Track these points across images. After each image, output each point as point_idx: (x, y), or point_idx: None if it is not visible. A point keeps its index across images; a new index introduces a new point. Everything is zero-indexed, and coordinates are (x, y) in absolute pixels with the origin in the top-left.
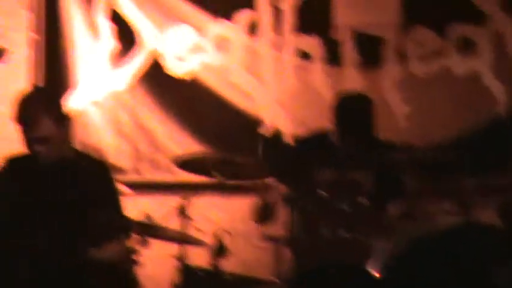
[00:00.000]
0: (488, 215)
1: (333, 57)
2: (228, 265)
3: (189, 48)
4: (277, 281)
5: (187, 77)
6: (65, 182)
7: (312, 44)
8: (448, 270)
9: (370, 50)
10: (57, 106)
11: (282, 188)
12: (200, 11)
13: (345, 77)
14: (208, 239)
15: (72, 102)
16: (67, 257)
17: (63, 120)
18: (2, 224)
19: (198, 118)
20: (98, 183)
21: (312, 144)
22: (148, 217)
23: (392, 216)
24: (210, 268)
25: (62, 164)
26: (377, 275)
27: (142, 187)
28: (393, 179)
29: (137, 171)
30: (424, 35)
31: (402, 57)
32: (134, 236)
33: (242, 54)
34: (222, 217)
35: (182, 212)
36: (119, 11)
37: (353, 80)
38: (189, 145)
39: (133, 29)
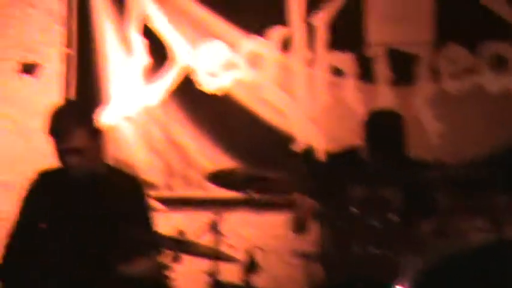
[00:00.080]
0: None
1: (366, 73)
2: (260, 281)
3: (222, 64)
4: None
5: (219, 93)
6: (96, 196)
7: (344, 60)
8: None
9: (403, 67)
10: (90, 119)
11: (313, 204)
12: (233, 27)
13: (378, 94)
14: (240, 255)
15: (105, 117)
16: (98, 272)
17: (95, 134)
18: (32, 238)
19: (230, 134)
20: (130, 199)
21: (344, 161)
22: (180, 233)
23: (424, 233)
24: (242, 284)
25: (93, 178)
26: None
27: (174, 203)
28: (425, 196)
29: (169, 187)
30: (457, 52)
31: (435, 74)
32: (166, 252)
33: (275, 70)
34: (254, 233)
35: (214, 228)
36: (151, 26)
37: (385, 96)
38: (221, 161)
39: (166, 45)
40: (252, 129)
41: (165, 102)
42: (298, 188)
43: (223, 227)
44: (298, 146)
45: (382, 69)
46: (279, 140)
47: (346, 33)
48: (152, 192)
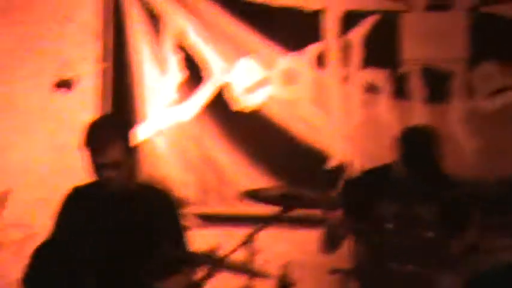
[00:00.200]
0: None
1: (400, 90)
2: None
3: (257, 81)
4: None
5: (254, 109)
6: (130, 212)
7: (379, 77)
8: None
9: (437, 84)
10: (127, 133)
11: (349, 221)
12: (268, 43)
13: (412, 111)
14: (274, 271)
15: (139, 133)
16: None
17: (131, 149)
18: (66, 254)
19: (264, 150)
20: (164, 215)
21: (378, 177)
22: (214, 249)
23: (457, 250)
24: None
25: (128, 193)
26: None
27: (208, 219)
28: (459, 213)
29: (203, 203)
30: (491, 69)
31: (469, 91)
32: (200, 268)
33: (309, 87)
34: (288, 249)
35: (248, 244)
36: (186, 41)
37: (420, 113)
38: (255, 177)
39: (200, 60)
40: (286, 146)
41: (199, 118)
42: (332, 204)
43: (257, 243)
44: (333, 163)
45: (416, 86)
46: (313, 156)
47: (381, 50)
48: (186, 208)
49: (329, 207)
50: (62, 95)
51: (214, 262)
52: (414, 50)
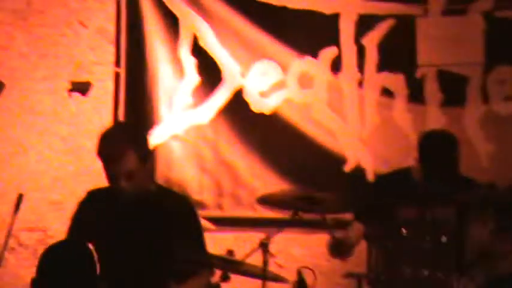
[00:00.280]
0: None
1: (416, 94)
2: None
3: (273, 84)
4: None
5: (270, 113)
6: (147, 216)
7: (394, 81)
8: None
9: (453, 88)
10: (141, 141)
11: (364, 225)
12: (284, 47)
13: (428, 115)
14: (289, 275)
15: (155, 137)
16: None
17: (147, 155)
18: (84, 261)
19: (280, 154)
20: (181, 219)
21: (394, 182)
22: (229, 252)
23: (472, 255)
24: None
25: (144, 198)
26: None
27: (224, 222)
28: (474, 217)
29: (219, 206)
30: (507, 73)
31: (485, 95)
32: (216, 271)
33: (325, 90)
34: (303, 253)
35: (263, 248)
36: (202, 45)
37: (435, 118)
38: (271, 181)
39: (216, 64)
40: (301, 150)
41: (215, 121)
42: (348, 209)
43: (273, 247)
44: (348, 167)
45: (432, 90)
46: (329, 160)
47: (397, 54)
48: (202, 212)
49: (344, 211)
50: (76, 98)
51: (230, 266)
52: (430, 54)
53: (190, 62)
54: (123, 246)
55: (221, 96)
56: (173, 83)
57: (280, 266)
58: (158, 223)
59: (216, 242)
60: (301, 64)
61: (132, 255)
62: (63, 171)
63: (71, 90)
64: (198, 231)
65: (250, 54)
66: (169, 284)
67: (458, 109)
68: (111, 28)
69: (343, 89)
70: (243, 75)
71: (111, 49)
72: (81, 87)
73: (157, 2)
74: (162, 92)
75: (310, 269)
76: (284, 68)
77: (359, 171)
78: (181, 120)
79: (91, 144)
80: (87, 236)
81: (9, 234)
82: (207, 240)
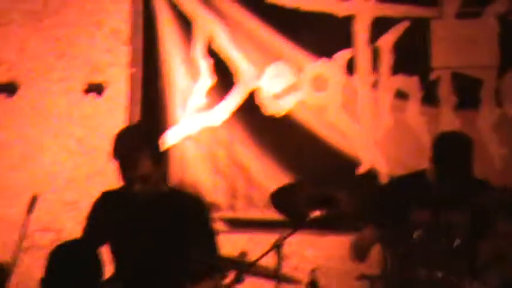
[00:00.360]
0: None
1: (430, 97)
2: None
3: (287, 87)
4: None
5: (284, 115)
6: (160, 217)
7: (409, 83)
8: None
9: (467, 91)
10: (156, 144)
11: (378, 228)
12: (298, 49)
13: (441, 118)
14: (303, 277)
15: (169, 138)
16: None
17: (161, 158)
18: (90, 262)
19: (294, 156)
20: (195, 220)
21: (408, 184)
22: (243, 254)
23: (485, 257)
24: None
25: (158, 199)
26: None
27: (237, 224)
28: (487, 220)
29: (232, 208)
30: None
31: (499, 99)
32: (229, 273)
33: (339, 92)
34: (317, 255)
35: (277, 249)
36: (217, 47)
37: (449, 120)
38: (284, 183)
39: (230, 66)
40: (315, 152)
41: (229, 123)
42: (362, 211)
43: (286, 248)
44: (362, 169)
45: (446, 93)
46: (343, 162)
47: (411, 57)
48: (215, 213)
49: (358, 213)
50: (91, 100)
51: (243, 267)
52: (444, 57)
53: (204, 64)
54: (137, 246)
55: (235, 98)
56: (187, 85)
57: (293, 268)
58: (171, 224)
59: (230, 243)
60: (315, 66)
61: (146, 256)
62: (78, 172)
63: (86, 91)
64: (211, 233)
65: (264, 57)
66: (184, 284)
67: (472, 112)
68: (126, 29)
69: (357, 92)
70: (257, 77)
71: (126, 50)
72: (96, 88)
73: (172, 4)
74: (176, 94)
75: (323, 270)
76: (298, 70)
77: (372, 174)
78: (195, 122)
79: (106, 145)
80: (101, 236)
81: (23, 235)
82: (220, 242)
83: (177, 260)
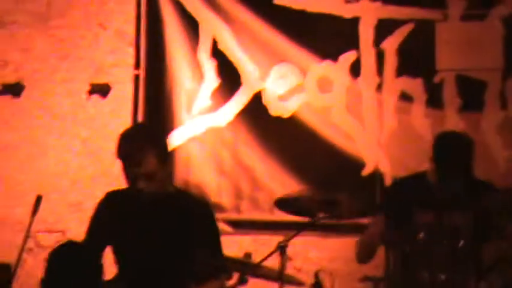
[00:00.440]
0: None
1: (434, 99)
2: None
3: (292, 88)
4: None
5: (288, 117)
6: (165, 218)
7: (413, 85)
8: None
9: (472, 93)
10: (161, 143)
11: (381, 229)
12: (303, 51)
13: (446, 120)
14: (307, 279)
15: (174, 139)
16: None
17: (165, 157)
18: (88, 263)
19: (298, 157)
20: (199, 221)
21: (411, 186)
22: (247, 255)
23: (489, 259)
24: None
25: (163, 200)
26: None
27: (242, 225)
28: (490, 222)
29: (237, 209)
30: None
31: (504, 101)
32: (234, 275)
33: (344, 94)
34: (321, 256)
35: (282, 251)
36: (222, 48)
37: (453, 122)
38: (289, 184)
39: (236, 68)
40: (320, 153)
41: (234, 124)
42: (366, 212)
43: (290, 250)
44: (366, 171)
45: (450, 95)
46: (347, 164)
47: (416, 59)
48: (220, 214)
49: (362, 215)
50: (95, 101)
51: (247, 268)
52: (449, 59)
53: (209, 65)
54: (142, 246)
55: (240, 99)
56: (192, 86)
57: (297, 269)
58: (176, 224)
59: (234, 244)
60: (320, 68)
61: (150, 256)
62: (82, 173)
63: (91, 93)
64: (215, 234)
65: (269, 58)
66: (189, 285)
67: (477, 114)
68: (131, 30)
69: (362, 93)
70: (262, 78)
71: (131, 51)
72: (101, 89)
73: (177, 5)
74: (181, 95)
75: (327, 272)
76: (303, 72)
77: (377, 176)
78: (200, 123)
79: (110, 146)
80: (105, 237)
81: (27, 236)
82: (225, 243)
83: (181, 261)
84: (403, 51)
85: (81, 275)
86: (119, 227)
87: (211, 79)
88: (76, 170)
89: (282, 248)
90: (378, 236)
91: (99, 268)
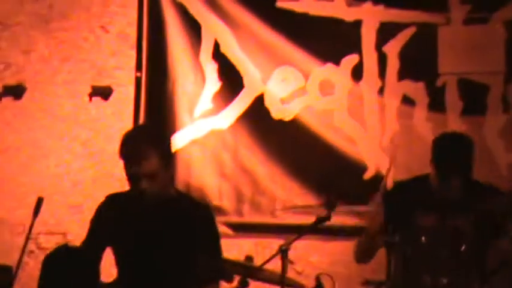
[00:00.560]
0: None
1: (436, 103)
2: None
3: (293, 91)
4: None
5: (290, 119)
6: (166, 221)
7: (415, 89)
8: None
9: (474, 97)
10: (164, 143)
11: (383, 233)
12: (305, 54)
13: (448, 123)
14: (308, 282)
15: (176, 142)
16: None
17: (169, 159)
18: (82, 268)
19: (300, 160)
20: (200, 225)
21: (413, 189)
22: (248, 258)
23: (492, 263)
24: None
25: (164, 202)
26: None
27: (243, 229)
28: (494, 225)
29: (238, 212)
30: None
31: (506, 105)
32: (235, 278)
33: (346, 98)
34: (322, 260)
35: (283, 254)
36: (223, 51)
37: (456, 126)
38: (290, 187)
39: (238, 70)
40: (321, 156)
41: (235, 127)
42: (367, 216)
43: (292, 253)
44: (368, 174)
45: (453, 98)
46: (349, 167)
47: (418, 62)
48: (221, 218)
49: (365, 217)
50: (97, 103)
51: (249, 272)
52: (451, 62)
53: (211, 68)
54: (142, 249)
55: (242, 102)
56: (194, 89)
57: (298, 273)
58: (177, 227)
59: (235, 247)
60: (322, 71)
61: (150, 259)
62: (83, 175)
63: (92, 95)
64: (215, 238)
65: (271, 61)
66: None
67: (479, 118)
68: (133, 33)
69: (364, 97)
70: (263, 81)
71: (133, 54)
72: (102, 92)
73: (179, 7)
74: (182, 97)
75: (328, 275)
76: (305, 75)
77: (379, 179)
78: (201, 126)
79: (111, 148)
80: (106, 239)
81: (28, 238)
82: (226, 246)
83: (181, 264)
84: (405, 54)
85: (76, 279)
86: (119, 229)
87: (213, 82)
88: (77, 172)
89: (283, 252)
90: (378, 227)
91: (94, 272)
